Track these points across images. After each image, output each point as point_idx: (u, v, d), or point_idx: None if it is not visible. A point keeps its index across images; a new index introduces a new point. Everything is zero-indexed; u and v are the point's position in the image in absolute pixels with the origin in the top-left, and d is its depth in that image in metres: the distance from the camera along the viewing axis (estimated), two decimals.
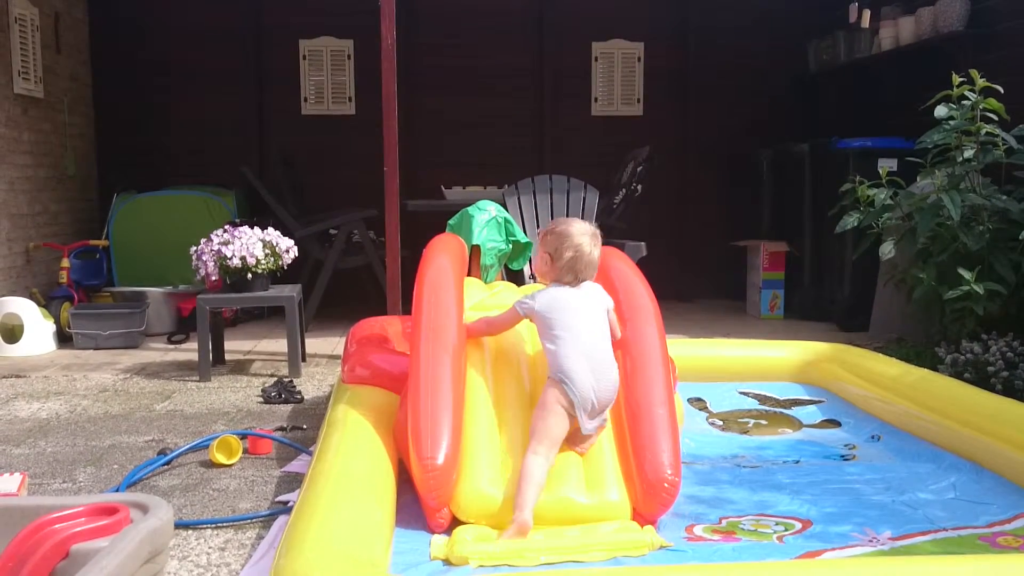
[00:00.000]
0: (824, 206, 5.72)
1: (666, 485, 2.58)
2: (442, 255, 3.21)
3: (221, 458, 3.27)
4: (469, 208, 3.84)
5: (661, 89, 7.84)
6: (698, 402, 4.04)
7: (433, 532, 2.55)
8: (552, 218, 5.59)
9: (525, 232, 5.03)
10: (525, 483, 2.51)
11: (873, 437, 3.55)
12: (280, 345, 5.25)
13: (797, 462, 3.28)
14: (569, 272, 2.82)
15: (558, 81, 7.79)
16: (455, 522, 2.58)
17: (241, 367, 5.03)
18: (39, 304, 5.65)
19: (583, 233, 2.81)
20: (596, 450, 2.73)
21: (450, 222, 3.92)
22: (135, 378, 4.79)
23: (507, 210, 4.17)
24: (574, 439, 2.73)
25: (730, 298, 7.42)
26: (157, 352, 5.50)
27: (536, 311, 2.80)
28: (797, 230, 6.64)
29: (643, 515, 2.59)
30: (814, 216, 6.39)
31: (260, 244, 4.70)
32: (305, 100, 7.64)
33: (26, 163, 6.22)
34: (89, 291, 6.33)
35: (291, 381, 4.51)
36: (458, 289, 3.08)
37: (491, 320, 3.01)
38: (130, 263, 6.57)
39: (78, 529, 2.02)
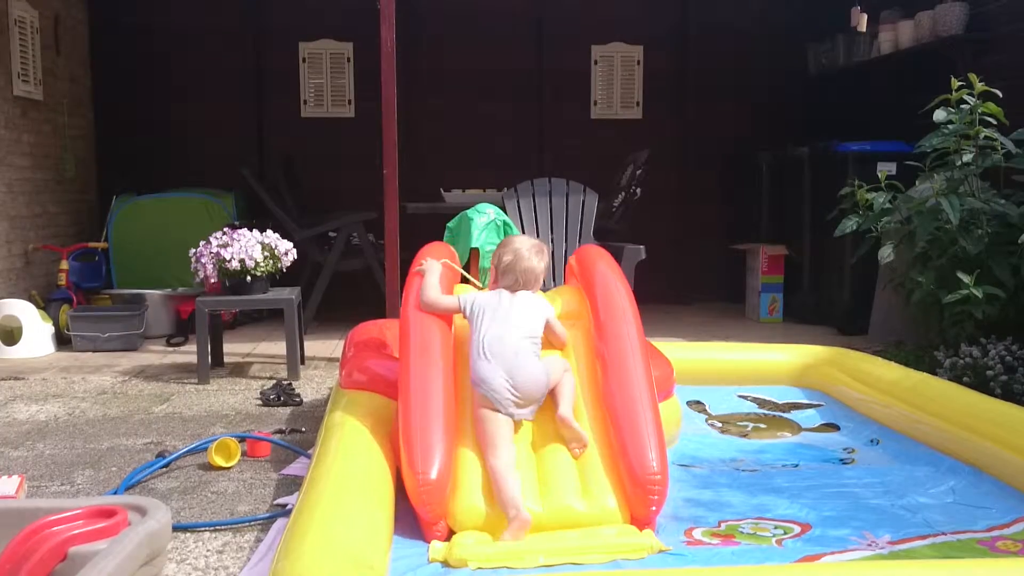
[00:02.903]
0: (823, 209, 5.72)
1: (654, 485, 2.57)
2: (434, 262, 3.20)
3: (220, 461, 3.27)
4: (468, 211, 3.84)
5: (660, 92, 7.84)
6: (697, 405, 4.04)
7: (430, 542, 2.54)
8: (551, 221, 5.60)
9: (524, 235, 5.03)
10: (499, 484, 2.55)
11: (872, 441, 3.55)
12: (279, 348, 5.25)
13: (796, 466, 3.28)
14: (507, 276, 2.94)
15: (557, 84, 7.79)
16: (452, 534, 2.56)
17: (240, 370, 5.03)
18: (38, 306, 5.64)
19: (524, 244, 3.00)
20: (590, 456, 2.72)
21: (449, 225, 3.93)
22: (134, 380, 4.79)
23: (506, 213, 4.18)
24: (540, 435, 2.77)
25: (729, 301, 7.42)
26: (156, 354, 5.50)
27: (466, 313, 2.92)
28: (796, 233, 6.64)
29: (637, 517, 2.58)
30: (813, 219, 6.39)
31: (259, 247, 4.70)
32: (305, 102, 7.65)
33: (25, 165, 6.22)
34: (88, 293, 6.33)
35: (290, 384, 4.51)
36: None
37: (428, 299, 2.98)
38: (129, 265, 6.57)
39: (76, 531, 2.02)
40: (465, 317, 2.94)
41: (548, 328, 2.96)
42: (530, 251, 2.97)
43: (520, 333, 2.83)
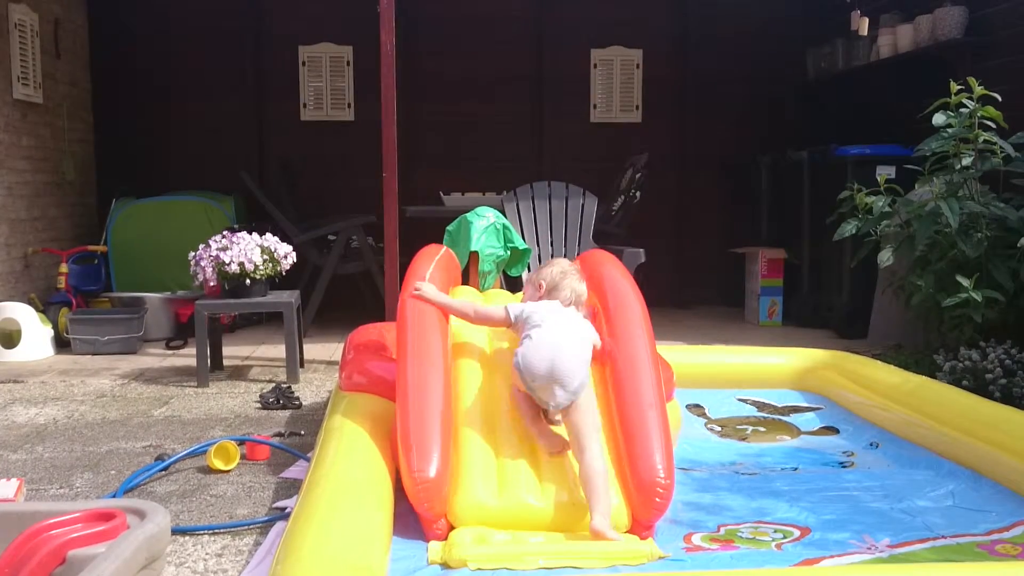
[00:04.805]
0: (823, 213, 5.73)
1: (659, 489, 2.57)
2: (426, 267, 3.22)
3: (219, 464, 3.26)
4: (468, 214, 3.84)
5: (660, 96, 7.85)
6: (696, 409, 4.04)
7: (430, 541, 2.54)
8: (551, 225, 5.61)
9: (524, 239, 5.04)
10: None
11: (871, 444, 3.55)
12: (278, 351, 5.25)
13: (795, 469, 3.28)
14: (561, 291, 2.93)
15: (557, 88, 7.80)
16: (452, 531, 2.57)
17: (239, 373, 5.03)
18: (37, 309, 5.64)
19: (571, 267, 3.04)
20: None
21: (449, 228, 3.92)
22: (133, 384, 4.78)
23: (506, 216, 4.17)
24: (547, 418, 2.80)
25: (728, 305, 7.42)
26: (155, 358, 5.50)
27: (517, 319, 2.88)
28: (796, 237, 6.64)
29: (639, 520, 2.58)
30: (812, 223, 6.39)
31: (258, 250, 4.70)
32: (304, 106, 7.66)
33: (25, 168, 6.22)
34: (87, 296, 6.33)
35: (289, 387, 4.50)
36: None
37: (479, 309, 3.05)
38: (128, 268, 6.57)
39: (75, 535, 2.01)
40: (512, 324, 2.91)
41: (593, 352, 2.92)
42: (578, 273, 3.01)
43: (579, 345, 2.80)
